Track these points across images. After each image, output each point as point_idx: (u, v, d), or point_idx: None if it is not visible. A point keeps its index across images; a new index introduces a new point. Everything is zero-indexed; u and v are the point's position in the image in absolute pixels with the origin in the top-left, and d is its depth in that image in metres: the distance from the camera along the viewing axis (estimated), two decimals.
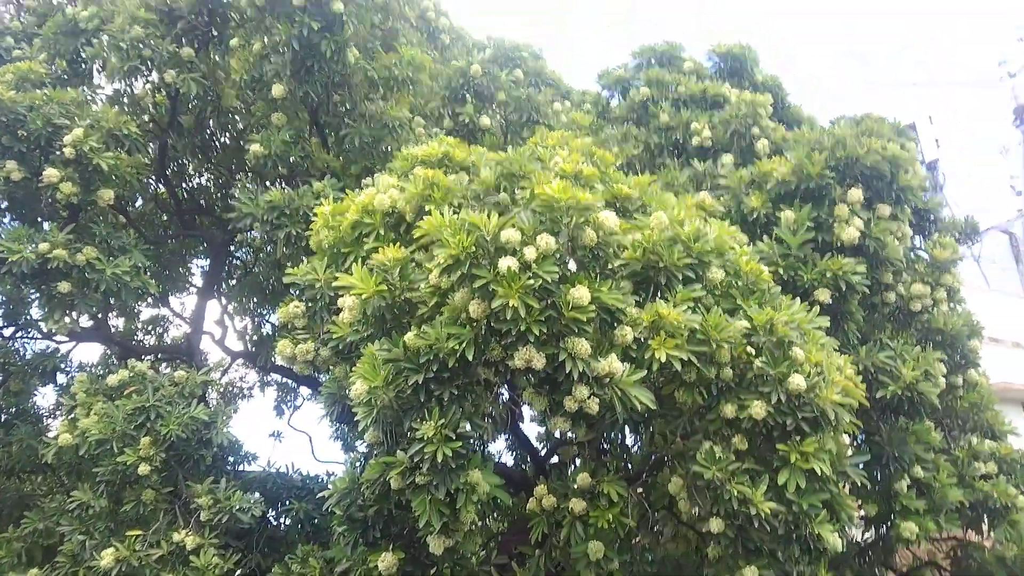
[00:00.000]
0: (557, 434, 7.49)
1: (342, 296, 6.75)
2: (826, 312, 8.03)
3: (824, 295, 8.56)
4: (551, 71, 13.98)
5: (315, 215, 7.85)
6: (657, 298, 6.49)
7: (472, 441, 6.39)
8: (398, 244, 6.74)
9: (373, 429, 6.26)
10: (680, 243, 6.70)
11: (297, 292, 7.92)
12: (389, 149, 10.88)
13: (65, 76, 11.61)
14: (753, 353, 6.54)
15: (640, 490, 7.75)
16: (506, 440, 12.33)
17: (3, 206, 10.58)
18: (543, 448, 10.70)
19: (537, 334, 5.84)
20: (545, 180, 6.52)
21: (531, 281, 5.83)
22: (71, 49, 11.31)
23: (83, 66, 11.85)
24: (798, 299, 7.33)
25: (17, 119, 9.51)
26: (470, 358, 5.99)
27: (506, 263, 5.84)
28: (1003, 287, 26.12)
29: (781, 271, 8.60)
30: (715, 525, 6.46)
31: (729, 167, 10.84)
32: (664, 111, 12.17)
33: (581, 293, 5.93)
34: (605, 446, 8.91)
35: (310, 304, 7.53)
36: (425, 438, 5.96)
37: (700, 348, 6.27)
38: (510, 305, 5.78)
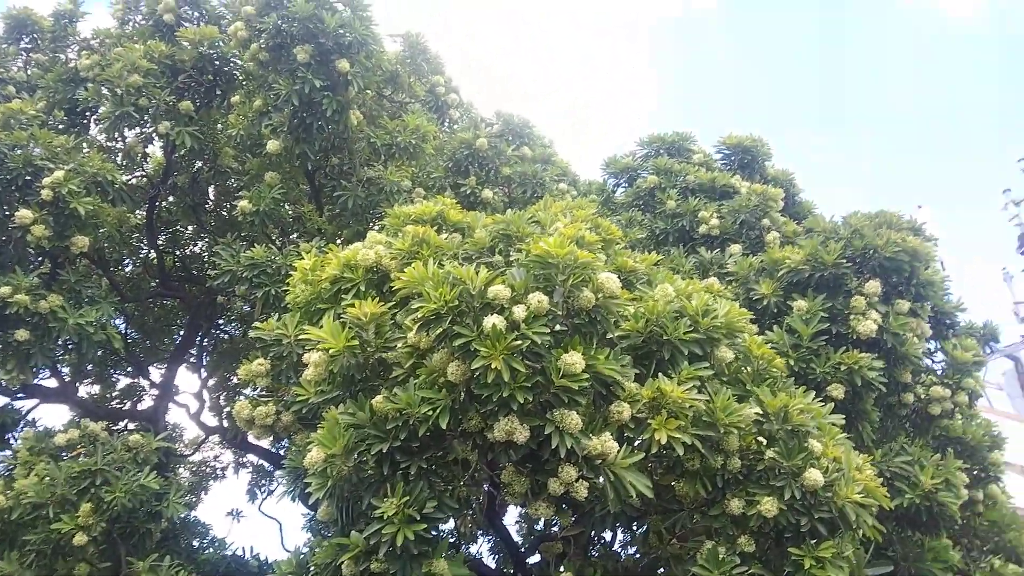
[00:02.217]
0: (540, 525, 6.66)
1: (309, 353, 6.09)
2: (840, 410, 7.33)
3: (838, 391, 7.89)
4: (559, 158, 13.75)
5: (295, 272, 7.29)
6: (659, 374, 5.81)
7: (440, 525, 5.59)
8: (379, 301, 6.13)
9: (327, 504, 5.49)
10: (687, 317, 6.07)
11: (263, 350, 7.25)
12: (385, 215, 10.48)
13: (62, 125, 11.33)
14: (764, 443, 5.83)
15: None
16: (487, 539, 11.39)
17: None
18: (523, 545, 9.75)
19: (521, 402, 5.14)
20: (542, 240, 5.97)
21: (518, 342, 5.18)
22: (69, 97, 11.06)
23: (82, 117, 11.60)
24: (812, 392, 6.66)
25: None
26: (444, 427, 5.27)
27: (491, 321, 5.22)
28: (1006, 411, 25.35)
29: (792, 362, 7.96)
30: None
31: (737, 255, 10.37)
32: (671, 198, 11.81)
33: (575, 360, 5.25)
34: (593, 543, 8.02)
35: (276, 362, 6.85)
36: (385, 517, 5.18)
37: (706, 432, 5.54)
38: (493, 367, 5.11)
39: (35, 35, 12.24)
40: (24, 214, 8.89)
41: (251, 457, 15.54)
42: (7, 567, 7.80)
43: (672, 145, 13.41)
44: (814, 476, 5.61)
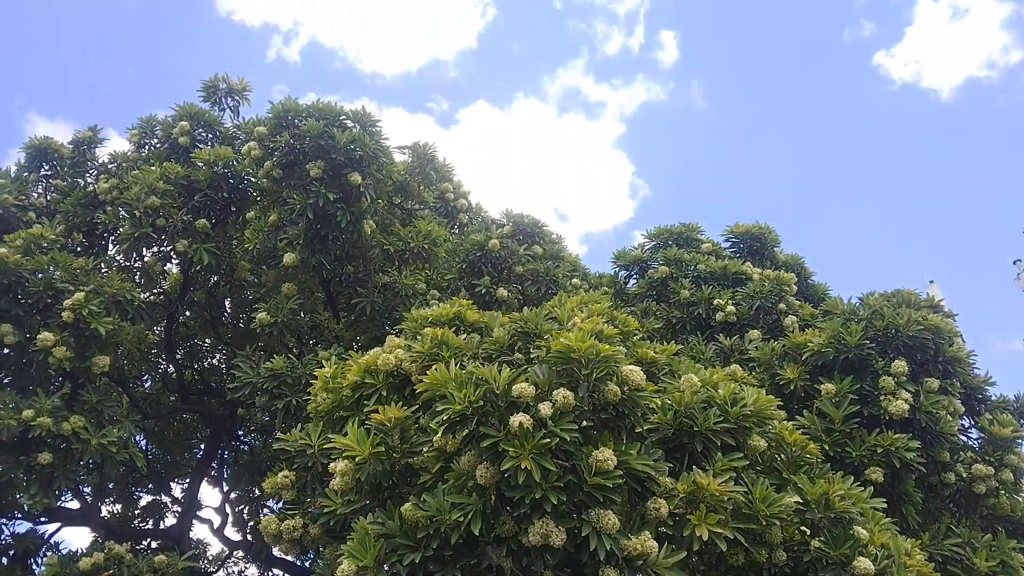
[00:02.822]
0: None
1: (334, 462, 5.99)
2: (880, 493, 7.12)
3: (877, 474, 7.67)
4: (569, 253, 13.89)
5: (316, 380, 7.26)
6: (693, 467, 5.67)
7: None
8: (401, 405, 6.07)
9: None
10: (715, 406, 5.97)
11: (288, 461, 7.14)
12: (402, 318, 10.52)
13: (80, 248, 11.58)
14: (808, 532, 5.61)
15: None
16: None
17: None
18: None
19: (555, 503, 5.00)
20: (563, 336, 5.95)
21: (547, 440, 5.09)
22: (88, 220, 11.33)
23: (100, 239, 11.86)
24: (851, 476, 6.47)
25: (19, 282, 9.24)
26: (476, 533, 5.12)
27: (518, 420, 5.14)
28: None
29: (827, 447, 7.77)
30: None
31: (758, 341, 10.31)
32: (685, 287, 11.85)
33: (606, 456, 5.14)
34: None
35: (301, 473, 6.74)
36: None
37: (747, 525, 5.36)
38: (523, 467, 5.00)
39: (55, 162, 12.67)
40: (46, 336, 8.96)
41: (276, 572, 15.08)
42: None
43: (679, 236, 13.55)
44: (864, 565, 5.38)
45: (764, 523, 5.41)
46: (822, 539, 5.59)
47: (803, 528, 5.65)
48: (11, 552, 11.26)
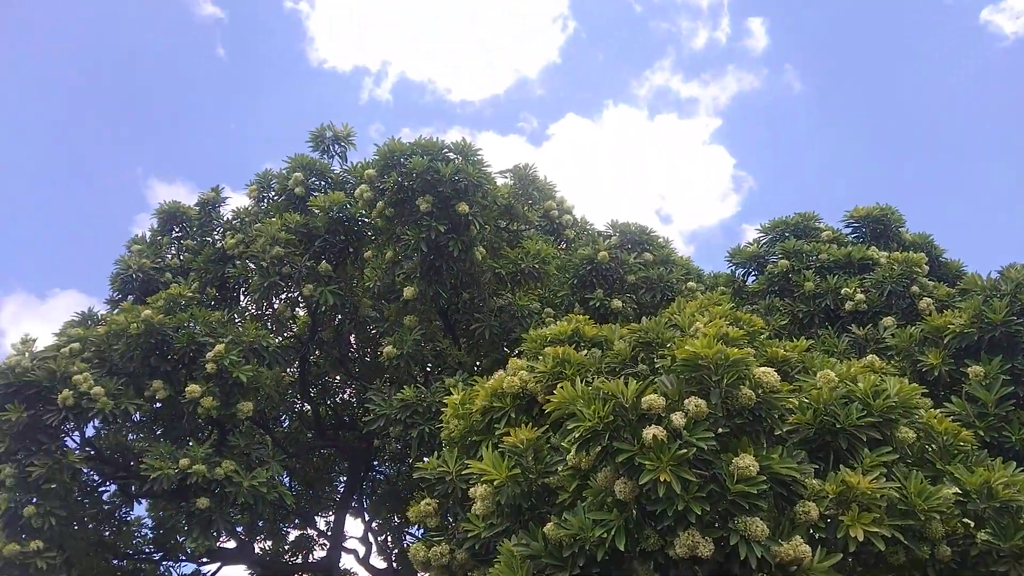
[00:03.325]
0: None
1: (474, 487, 6.11)
2: None
3: None
4: (679, 256, 13.67)
5: (446, 408, 7.44)
6: (840, 466, 5.46)
7: None
8: (531, 425, 6.15)
9: None
10: (857, 401, 5.75)
11: (428, 489, 7.34)
12: (520, 339, 10.64)
13: (214, 302, 12.32)
14: (972, 524, 5.30)
15: None
16: None
17: (151, 424, 10.85)
18: None
19: (699, 513, 4.93)
20: (688, 343, 5.87)
21: (683, 451, 5.03)
22: (219, 275, 12.06)
23: (232, 291, 12.59)
24: (1012, 463, 6.06)
25: (165, 340, 9.92)
26: (621, 548, 5.10)
27: (651, 432, 5.10)
28: None
29: (981, 432, 7.31)
30: None
31: (893, 328, 9.84)
32: (808, 279, 11.45)
33: (748, 462, 5.03)
34: None
35: (442, 500, 6.91)
36: None
37: (905, 522, 5.12)
38: (662, 480, 4.96)
39: (184, 224, 13.58)
40: (193, 388, 9.58)
41: None
42: None
43: (796, 227, 13.11)
44: None
45: (923, 518, 5.16)
46: (989, 531, 5.27)
47: (966, 520, 5.34)
48: None
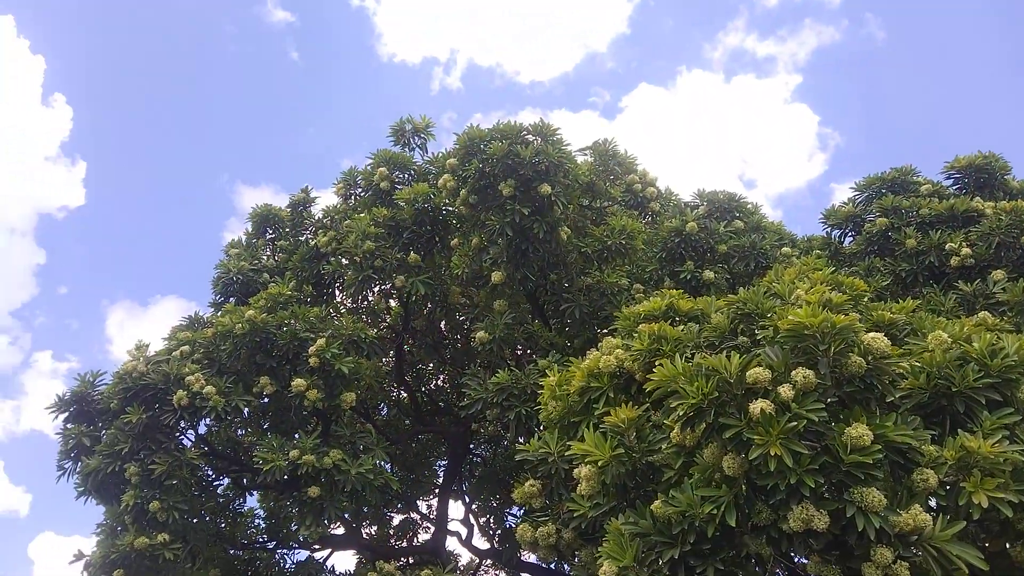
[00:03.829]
0: None
1: (577, 468, 6.14)
2: None
3: None
4: (770, 222, 13.30)
5: (542, 390, 7.48)
6: (958, 431, 5.24)
7: None
8: (630, 404, 6.12)
9: None
10: (972, 362, 5.50)
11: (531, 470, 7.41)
12: (611, 317, 10.59)
13: (310, 299, 12.70)
14: None
15: None
16: None
17: (260, 418, 11.30)
18: None
19: (812, 486, 4.82)
20: (790, 312, 5.72)
21: (793, 423, 4.91)
22: (314, 272, 12.42)
23: (327, 288, 12.95)
24: None
25: (268, 338, 10.30)
26: (732, 524, 5.04)
27: (759, 406, 5.00)
28: None
29: None
30: None
31: (1004, 282, 9.35)
32: (910, 236, 10.98)
33: (861, 432, 4.88)
34: None
35: (545, 481, 6.97)
36: None
37: None
38: (772, 454, 4.86)
39: (277, 225, 14.03)
40: (299, 382, 9.92)
41: (525, 575, 15.65)
42: None
43: (893, 182, 12.59)
44: None
45: None
46: None
47: None
48: None
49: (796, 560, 5.55)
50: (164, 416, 9.96)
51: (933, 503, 5.22)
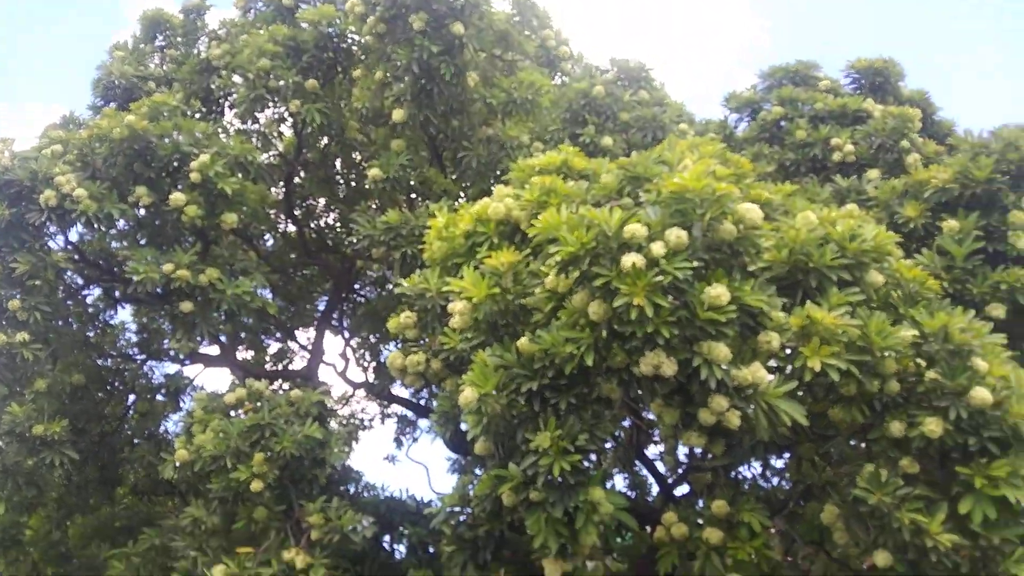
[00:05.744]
0: (685, 456, 6.70)
1: (453, 303, 6.32)
2: (1001, 329, 6.90)
3: (998, 310, 7.46)
4: (673, 100, 13.41)
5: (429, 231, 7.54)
6: (807, 302, 5.68)
7: (592, 457, 5.73)
8: (512, 251, 6.27)
9: (483, 439, 5.73)
10: (832, 243, 5.89)
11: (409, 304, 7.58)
12: (507, 170, 10.61)
13: (199, 113, 12.06)
14: (924, 364, 5.61)
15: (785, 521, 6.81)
16: (624, 478, 11.57)
17: (136, 231, 10.91)
18: (671, 476, 9.79)
19: (667, 336, 5.17)
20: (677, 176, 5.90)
21: (659, 278, 5.18)
22: (204, 87, 11.74)
23: (216, 104, 12.30)
24: (971, 311, 6.33)
25: (149, 147, 9.79)
26: (589, 364, 5.38)
27: (631, 260, 5.23)
28: None
29: (947, 284, 7.55)
30: (881, 559, 5.49)
31: (877, 180, 9.90)
32: (800, 128, 11.35)
33: (719, 292, 5.21)
34: (744, 474, 7.97)
35: (421, 315, 7.15)
36: (540, 450, 5.38)
37: (861, 357, 5.41)
38: (635, 304, 5.15)
39: (168, 32, 13.06)
40: (177, 196, 9.56)
41: (395, 408, 16.29)
42: (196, 512, 8.62)
43: (796, 74, 12.83)
44: (981, 395, 5.37)
45: (879, 355, 5.43)
46: (938, 370, 5.58)
47: (919, 360, 5.64)
48: (163, 390, 12.65)
49: (640, 405, 6.02)
50: (30, 215, 9.43)
51: (774, 363, 5.70)
